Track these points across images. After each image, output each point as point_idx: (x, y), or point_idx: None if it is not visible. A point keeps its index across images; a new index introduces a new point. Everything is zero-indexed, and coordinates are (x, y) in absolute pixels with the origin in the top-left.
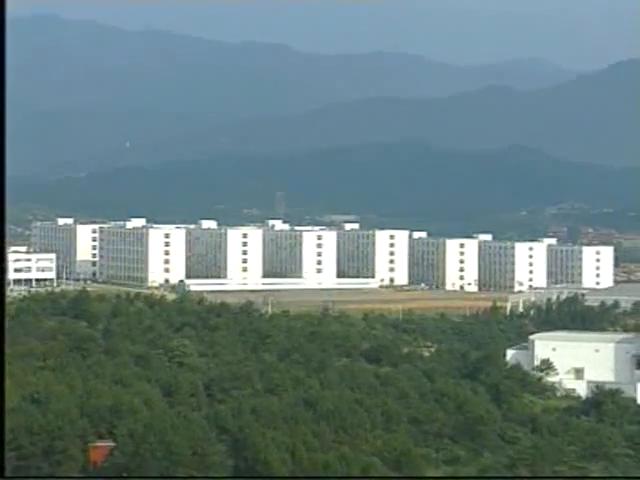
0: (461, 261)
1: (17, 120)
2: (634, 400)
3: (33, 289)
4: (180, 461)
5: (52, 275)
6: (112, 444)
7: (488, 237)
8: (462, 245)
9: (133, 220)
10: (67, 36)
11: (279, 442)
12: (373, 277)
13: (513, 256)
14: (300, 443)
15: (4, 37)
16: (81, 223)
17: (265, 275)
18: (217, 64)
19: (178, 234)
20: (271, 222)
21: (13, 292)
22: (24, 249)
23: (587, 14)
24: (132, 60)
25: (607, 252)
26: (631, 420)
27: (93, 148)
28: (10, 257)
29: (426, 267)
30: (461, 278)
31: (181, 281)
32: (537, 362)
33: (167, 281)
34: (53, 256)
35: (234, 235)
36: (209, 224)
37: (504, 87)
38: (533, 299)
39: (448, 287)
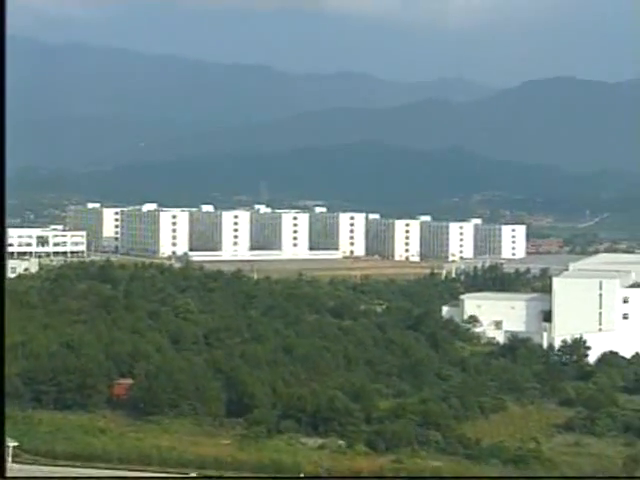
0: (406, 237)
1: (55, 125)
2: (540, 345)
3: (68, 259)
4: (184, 395)
5: (83, 248)
6: (131, 381)
7: (428, 218)
8: (407, 224)
9: (147, 205)
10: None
11: (263, 380)
12: (337, 250)
13: (447, 233)
14: (279, 380)
15: (4, 37)
16: (106, 207)
17: (252, 248)
18: (214, 83)
19: (183, 216)
20: (257, 206)
21: (53, 262)
22: (61, 227)
23: (504, 37)
24: (148, 79)
25: (520, 230)
26: (538, 361)
27: (116, 148)
28: (50, 234)
29: (379, 242)
30: (406, 250)
31: (185, 253)
32: (466, 316)
33: (174, 253)
34: (84, 233)
35: (227, 217)
36: (207, 208)
37: (441, 100)
38: (463, 267)
39: (396, 258)
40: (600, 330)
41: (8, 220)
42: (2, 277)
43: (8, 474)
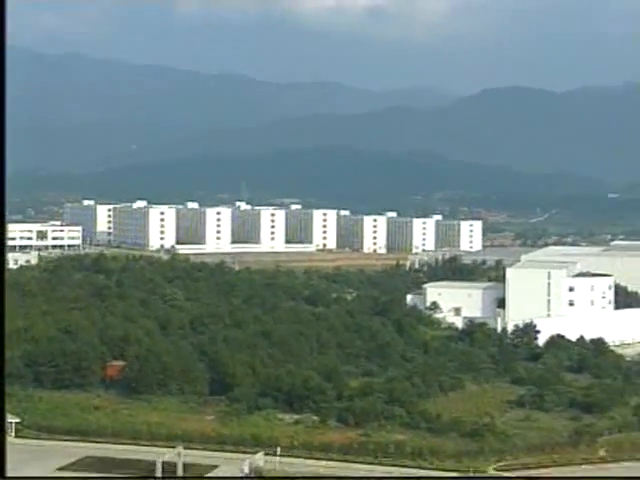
0: (374, 232)
1: (53, 130)
2: (495, 330)
3: (65, 252)
4: (172, 375)
5: (79, 242)
6: (123, 363)
7: (393, 214)
8: (375, 220)
9: (137, 202)
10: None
11: (243, 361)
12: (311, 243)
13: (411, 228)
14: (258, 362)
15: (4, 38)
16: (100, 204)
17: (233, 242)
18: (200, 91)
19: (170, 212)
20: (237, 204)
21: (51, 254)
22: (58, 223)
23: (465, 49)
24: (138, 88)
25: (477, 225)
26: (493, 344)
27: (109, 151)
28: (48, 229)
29: (349, 236)
30: (374, 244)
31: (172, 246)
32: (428, 303)
33: (162, 246)
34: (80, 228)
35: (211, 213)
36: (193, 205)
37: (407, 107)
38: (425, 259)
39: (365, 250)
40: (548, 315)
41: (11, 216)
42: (2, 276)
43: (10, 448)
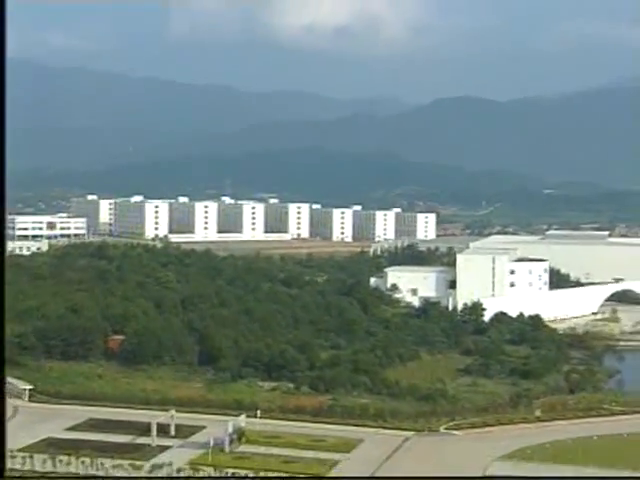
0: (342, 223)
1: (60, 133)
2: (447, 308)
3: (72, 240)
4: (165, 348)
5: (84, 232)
6: (123, 337)
7: (359, 208)
8: (342, 213)
9: (135, 197)
10: (89, 82)
11: (227, 336)
12: (287, 233)
13: (374, 219)
14: (241, 337)
15: (4, 37)
16: (102, 199)
17: (219, 232)
18: (188, 100)
19: (163, 206)
20: (223, 198)
21: (59, 242)
22: (66, 215)
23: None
24: (134, 97)
25: (431, 217)
26: (445, 320)
27: (109, 152)
28: (57, 220)
29: (320, 226)
30: (342, 233)
31: (165, 235)
32: (389, 285)
33: (156, 235)
34: (84, 220)
35: (199, 207)
36: (183, 199)
37: (371, 113)
38: (386, 246)
39: (334, 239)
40: (493, 295)
41: (24, 209)
42: (2, 278)
43: (23, 411)
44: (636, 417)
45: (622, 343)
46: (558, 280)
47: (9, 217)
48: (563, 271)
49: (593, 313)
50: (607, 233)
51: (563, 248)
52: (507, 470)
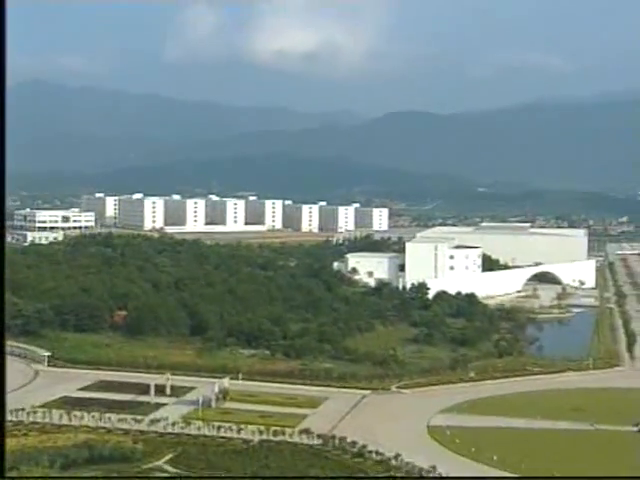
0: (310, 216)
1: (74, 141)
2: (397, 287)
3: (83, 231)
4: (161, 321)
5: (93, 224)
6: (125, 313)
7: (324, 203)
8: (310, 208)
9: (135, 194)
10: (97, 98)
11: (214, 311)
12: (263, 225)
13: (337, 213)
14: (225, 312)
15: (4, 37)
16: (108, 196)
17: (206, 224)
18: (181, 113)
19: (160, 202)
20: (210, 196)
21: (72, 233)
22: (77, 210)
23: (376, 80)
24: (136, 110)
25: (384, 211)
26: (396, 297)
27: (114, 157)
28: (70, 214)
29: (291, 219)
30: (310, 225)
31: (161, 227)
32: (349, 268)
33: (154, 227)
34: (93, 214)
35: (190, 203)
36: (176, 197)
37: (334, 125)
38: (347, 236)
39: (303, 230)
40: (435, 277)
41: (42, 205)
42: (2, 279)
43: (43, 375)
44: (551, 376)
45: (541, 316)
46: (489, 264)
47: (30, 212)
48: (493, 256)
49: (517, 291)
50: (529, 225)
51: (493, 237)
52: (446, 420)
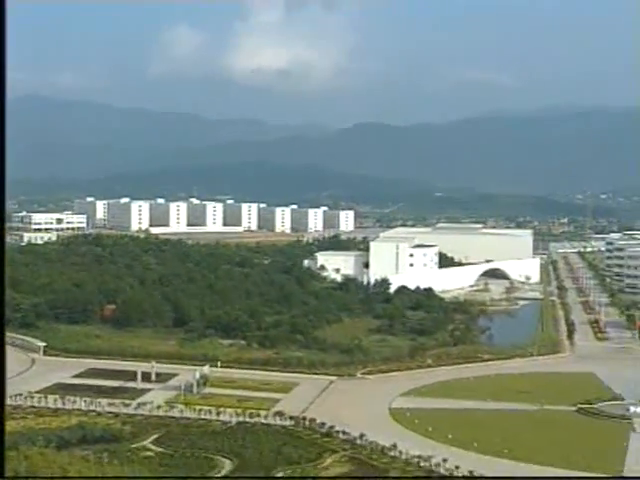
0: (282, 218)
1: (67, 151)
2: (362, 283)
3: (75, 232)
4: (147, 314)
5: (84, 225)
6: (114, 307)
7: (295, 206)
8: (283, 210)
9: (123, 198)
10: (89, 111)
11: (195, 305)
12: (240, 226)
13: (307, 216)
14: (205, 305)
15: (4, 37)
16: (98, 200)
17: (188, 225)
18: (162, 125)
19: (145, 205)
20: (191, 199)
21: (66, 234)
22: (70, 213)
23: (344, 94)
24: (122, 124)
25: (350, 214)
26: (361, 292)
27: (104, 165)
28: (64, 217)
29: (266, 221)
30: (282, 226)
31: (147, 228)
32: (318, 266)
33: (140, 228)
34: (85, 216)
35: (173, 206)
36: (160, 200)
37: (304, 135)
38: (317, 236)
39: (277, 230)
40: (397, 273)
41: (38, 208)
42: (2, 276)
43: (39, 362)
44: (500, 362)
45: (491, 308)
46: (445, 261)
47: (27, 214)
48: (449, 254)
49: (470, 286)
50: (481, 225)
51: (448, 237)
52: (406, 403)
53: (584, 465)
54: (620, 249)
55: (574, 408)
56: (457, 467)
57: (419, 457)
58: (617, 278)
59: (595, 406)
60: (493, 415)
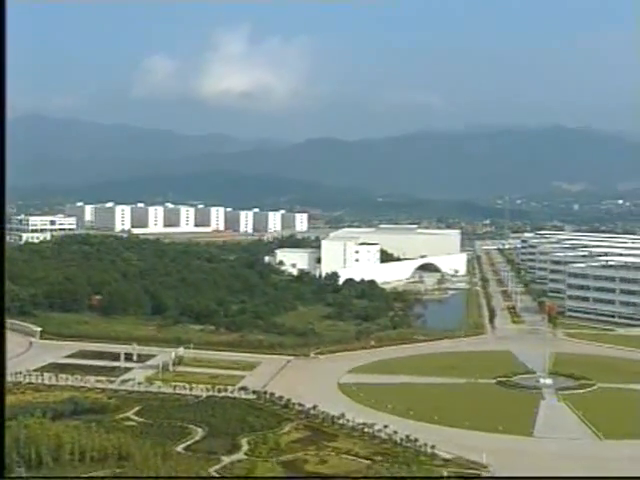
0: (246, 220)
1: (58, 162)
2: (315, 275)
3: (66, 232)
4: (129, 304)
5: (74, 227)
6: (101, 297)
7: (257, 210)
8: (246, 213)
9: (108, 203)
10: (80, 127)
11: (170, 295)
12: (210, 227)
13: (267, 218)
14: (179, 296)
15: (4, 37)
16: (87, 204)
17: (164, 226)
18: (142, 139)
19: (127, 209)
20: (167, 204)
21: (58, 234)
22: (62, 215)
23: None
24: (106, 140)
25: (304, 216)
26: (314, 284)
27: (91, 174)
28: (57, 219)
29: (232, 222)
30: (246, 227)
31: (129, 229)
32: (277, 261)
33: (123, 229)
34: (74, 219)
35: (151, 209)
36: (140, 205)
37: (264, 149)
38: (276, 235)
39: (241, 231)
40: (344, 267)
41: (34, 211)
42: (2, 276)
43: (36, 345)
44: (432, 343)
45: (425, 297)
46: (385, 257)
47: (24, 217)
48: (389, 251)
49: (407, 278)
50: (416, 226)
51: (389, 236)
52: (353, 378)
53: (502, 428)
54: (533, 246)
55: (494, 381)
56: (395, 432)
57: (364, 424)
58: (530, 271)
59: (512, 379)
60: (426, 388)
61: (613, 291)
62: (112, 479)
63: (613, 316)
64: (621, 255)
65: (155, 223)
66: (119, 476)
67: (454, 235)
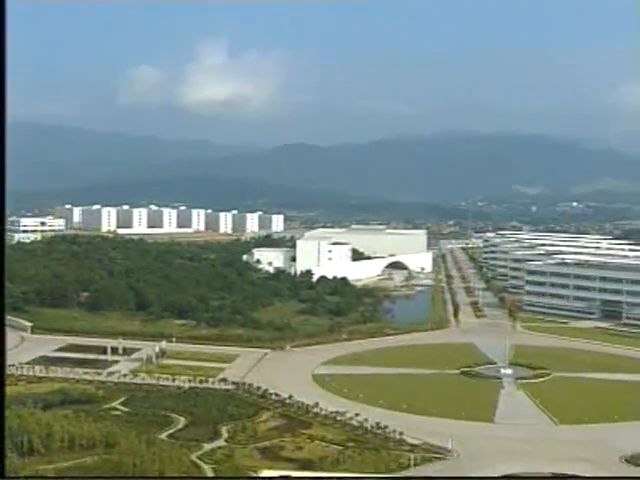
0: (225, 220)
1: (51, 166)
2: (290, 273)
3: (56, 233)
4: (116, 300)
5: (63, 228)
6: (89, 294)
7: (236, 211)
8: (226, 215)
9: (95, 205)
10: (73, 134)
11: (154, 293)
12: (191, 227)
13: (245, 219)
14: (162, 293)
15: (4, 37)
16: (75, 207)
17: (148, 227)
18: (130, 146)
19: (113, 211)
20: (151, 206)
21: (49, 234)
22: (52, 217)
23: (276, 118)
24: (100, 146)
25: (280, 217)
26: (290, 281)
27: (79, 178)
28: (47, 220)
29: (212, 223)
30: (225, 227)
31: (115, 230)
32: (254, 260)
33: (109, 230)
34: (64, 220)
35: (136, 211)
36: (126, 207)
37: (242, 154)
38: (253, 235)
39: (221, 231)
40: (318, 265)
41: (26, 213)
42: (2, 276)
43: (28, 339)
44: (401, 336)
45: (394, 293)
46: (357, 255)
47: (17, 219)
48: (360, 250)
49: (377, 275)
50: (385, 227)
51: (360, 236)
52: (326, 369)
53: (466, 415)
54: (494, 245)
55: (459, 371)
56: (366, 419)
57: (336, 412)
58: (492, 268)
59: (474, 369)
60: (395, 378)
61: (567, 287)
62: (112, 479)
63: (568, 310)
64: (575, 254)
65: (139, 224)
66: (119, 476)
67: (421, 235)
